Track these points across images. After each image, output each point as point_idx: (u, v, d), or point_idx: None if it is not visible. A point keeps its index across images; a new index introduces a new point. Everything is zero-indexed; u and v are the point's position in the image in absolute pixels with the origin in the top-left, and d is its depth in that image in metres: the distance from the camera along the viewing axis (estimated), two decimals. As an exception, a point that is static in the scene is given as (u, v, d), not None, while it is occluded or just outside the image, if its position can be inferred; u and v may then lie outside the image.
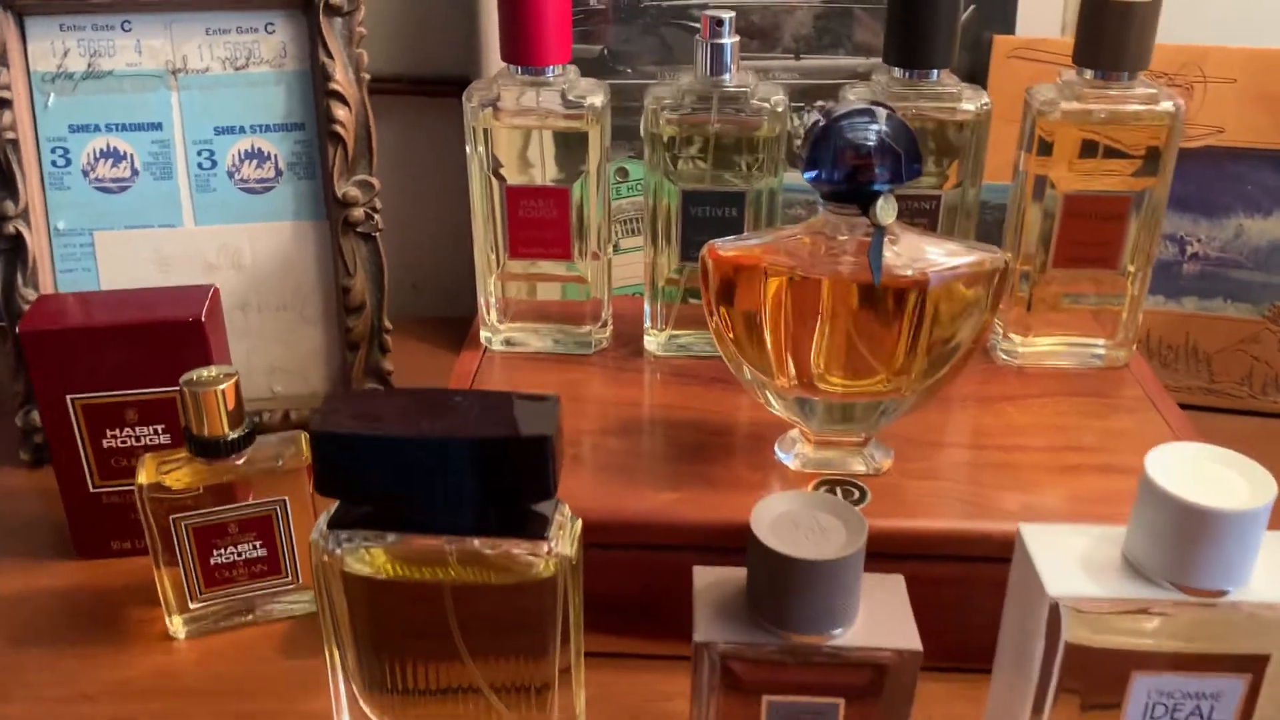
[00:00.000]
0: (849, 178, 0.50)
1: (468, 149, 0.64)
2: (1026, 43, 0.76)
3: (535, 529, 0.43)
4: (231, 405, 0.54)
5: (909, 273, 0.50)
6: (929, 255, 0.51)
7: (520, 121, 0.62)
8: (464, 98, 0.63)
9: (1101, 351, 0.67)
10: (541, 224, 0.64)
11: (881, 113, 0.50)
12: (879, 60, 0.78)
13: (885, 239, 0.50)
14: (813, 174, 0.50)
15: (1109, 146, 0.61)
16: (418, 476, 0.42)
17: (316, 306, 0.73)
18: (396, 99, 0.87)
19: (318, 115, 0.70)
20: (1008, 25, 0.78)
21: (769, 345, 0.52)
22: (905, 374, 0.52)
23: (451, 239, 0.90)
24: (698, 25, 0.79)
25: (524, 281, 0.68)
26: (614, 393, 0.64)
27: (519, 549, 0.43)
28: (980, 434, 0.60)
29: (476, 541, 0.43)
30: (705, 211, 0.64)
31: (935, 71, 0.60)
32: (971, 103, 0.61)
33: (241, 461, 0.55)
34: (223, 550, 0.56)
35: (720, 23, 0.60)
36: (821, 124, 0.50)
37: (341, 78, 0.69)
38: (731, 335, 0.54)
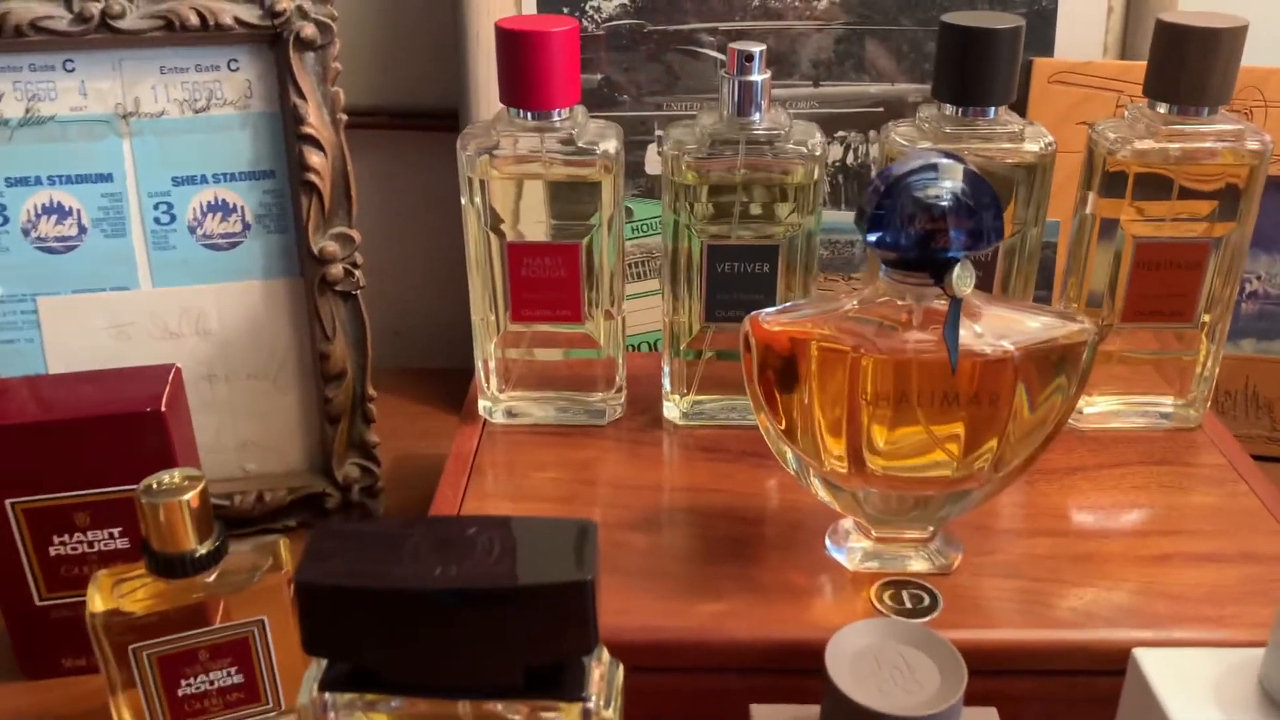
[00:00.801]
0: (920, 244, 0.43)
1: (463, 200, 0.56)
2: (1069, 66, 0.69)
3: (571, 686, 0.36)
4: (198, 515, 0.46)
5: (989, 350, 0.44)
6: (1012, 329, 0.44)
7: (523, 171, 0.55)
8: (459, 145, 0.55)
9: (1170, 410, 0.60)
10: (547, 284, 0.57)
11: (955, 167, 0.43)
12: (906, 86, 0.72)
13: (962, 312, 0.43)
14: (876, 237, 0.43)
15: (1185, 187, 0.55)
16: (428, 632, 0.34)
17: (291, 374, 0.65)
18: (378, 133, 0.79)
19: (289, 162, 0.62)
20: (1046, 47, 0.71)
21: (819, 430, 0.45)
22: (979, 463, 0.45)
23: (439, 282, 0.82)
24: (706, 51, 0.72)
25: (527, 346, 0.61)
26: (633, 473, 0.57)
27: (550, 713, 0.35)
28: (1055, 517, 0.53)
29: (500, 705, 0.35)
30: (733, 267, 0.56)
31: (992, 109, 0.53)
32: (1035, 143, 0.54)
33: (212, 579, 0.47)
34: (192, 680, 0.48)
35: (750, 58, 0.53)
36: (887, 180, 0.43)
37: (315, 120, 0.61)
38: (775, 419, 0.47)
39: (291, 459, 0.67)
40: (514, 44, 0.52)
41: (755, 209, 0.55)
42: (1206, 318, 0.58)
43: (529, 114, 0.54)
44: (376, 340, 0.87)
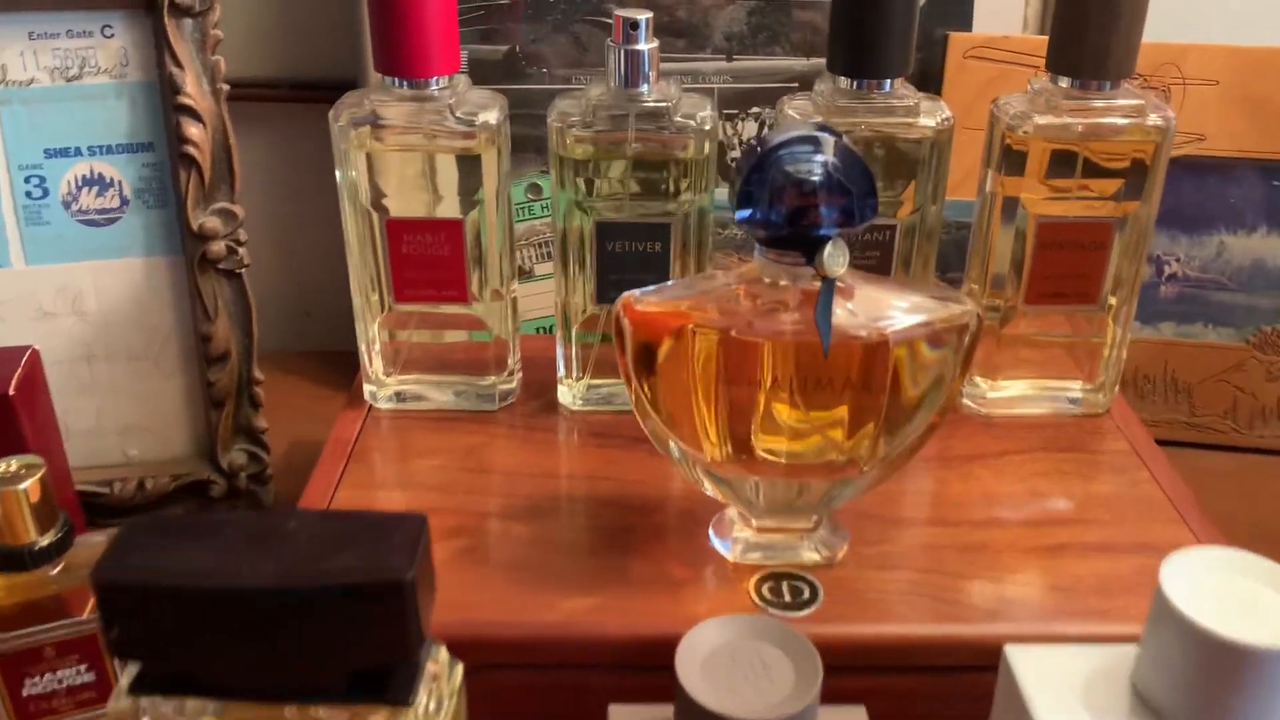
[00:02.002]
0: (791, 220, 0.40)
1: (337, 174, 0.53)
2: (985, 40, 0.67)
3: (397, 689, 0.33)
4: (37, 506, 0.44)
5: (864, 333, 0.42)
6: (887, 310, 0.42)
7: (399, 143, 0.52)
8: (331, 116, 0.52)
9: (1078, 395, 0.58)
10: (430, 262, 0.54)
11: (828, 140, 0.41)
12: (823, 61, 0.70)
13: (835, 292, 0.41)
14: (745, 214, 0.41)
15: (1088, 163, 0.53)
16: (240, 633, 0.32)
17: (175, 356, 0.63)
18: (278, 106, 0.77)
19: (168, 134, 0.60)
20: (964, 21, 0.69)
21: (699, 418, 0.43)
22: (860, 448, 0.43)
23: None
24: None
25: (413, 327, 0.58)
26: (523, 460, 0.54)
27: (377, 716, 0.33)
28: (948, 505, 0.51)
29: (323, 711, 0.33)
30: (625, 246, 0.54)
31: (888, 81, 0.51)
32: (931, 117, 0.52)
33: (56, 571, 0.45)
34: (37, 679, 0.46)
35: (635, 25, 0.50)
36: (756, 154, 0.41)
37: (194, 90, 0.58)
38: (653, 407, 0.44)
39: (176, 444, 0.64)
40: (387, 6, 0.49)
41: (641, 185, 0.53)
42: (1113, 300, 0.56)
43: (404, 82, 0.51)
44: (288, 322, 0.85)
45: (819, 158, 0.40)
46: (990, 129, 0.54)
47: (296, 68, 0.76)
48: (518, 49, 0.69)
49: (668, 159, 0.52)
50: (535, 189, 0.72)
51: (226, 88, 0.59)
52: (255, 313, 0.62)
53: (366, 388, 0.59)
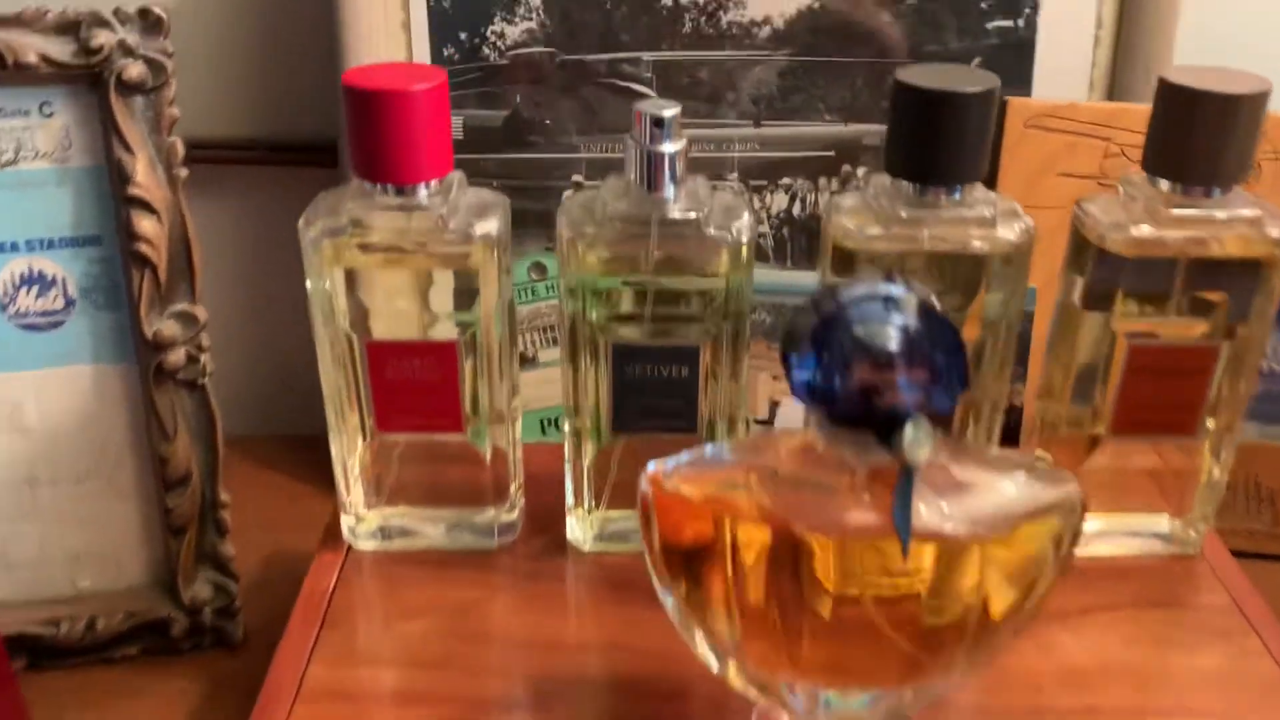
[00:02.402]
0: (862, 397, 0.33)
1: (308, 284, 0.46)
2: (1049, 109, 0.59)
3: None
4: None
5: (949, 529, 0.34)
6: (977, 497, 0.35)
7: (384, 258, 0.45)
8: (301, 224, 0.45)
9: (1166, 530, 0.51)
10: (420, 388, 0.47)
11: (909, 298, 0.33)
12: (861, 127, 0.62)
13: (916, 481, 0.34)
14: (804, 382, 0.33)
15: (1192, 278, 0.45)
16: None
17: (129, 476, 0.55)
18: (252, 168, 0.69)
19: (118, 227, 0.52)
20: (1023, 82, 0.62)
21: (742, 622, 0.36)
22: (934, 662, 0.36)
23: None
24: (630, 84, 0.62)
25: (399, 454, 0.50)
26: (527, 624, 0.47)
27: None
28: (1031, 687, 0.43)
29: None
30: (646, 370, 0.46)
31: (959, 186, 0.43)
32: (1010, 228, 0.44)
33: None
34: None
35: (660, 122, 0.42)
36: (816, 310, 0.33)
37: (146, 178, 0.50)
38: (687, 607, 0.37)
39: (131, 573, 0.56)
40: (366, 106, 0.41)
41: (670, 303, 0.45)
42: (1211, 424, 0.48)
43: (389, 188, 0.43)
44: (265, 401, 0.77)
45: (897, 319, 0.33)
46: (1075, 233, 0.47)
47: (272, 128, 0.68)
48: (520, 114, 0.62)
49: (695, 273, 0.45)
50: (539, 268, 0.64)
51: (184, 173, 0.51)
52: (220, 426, 0.55)
53: (344, 521, 0.51)
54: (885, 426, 0.33)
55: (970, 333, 0.45)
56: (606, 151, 0.62)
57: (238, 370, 0.74)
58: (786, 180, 0.63)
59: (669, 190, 0.44)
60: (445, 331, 0.46)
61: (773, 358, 0.64)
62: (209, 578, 0.56)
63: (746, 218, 0.44)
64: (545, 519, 0.52)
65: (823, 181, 0.63)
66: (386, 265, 0.45)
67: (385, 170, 0.43)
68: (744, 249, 0.44)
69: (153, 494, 0.55)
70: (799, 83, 0.61)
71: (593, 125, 0.62)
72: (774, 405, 0.65)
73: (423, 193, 0.44)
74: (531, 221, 0.63)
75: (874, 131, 0.62)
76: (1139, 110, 0.59)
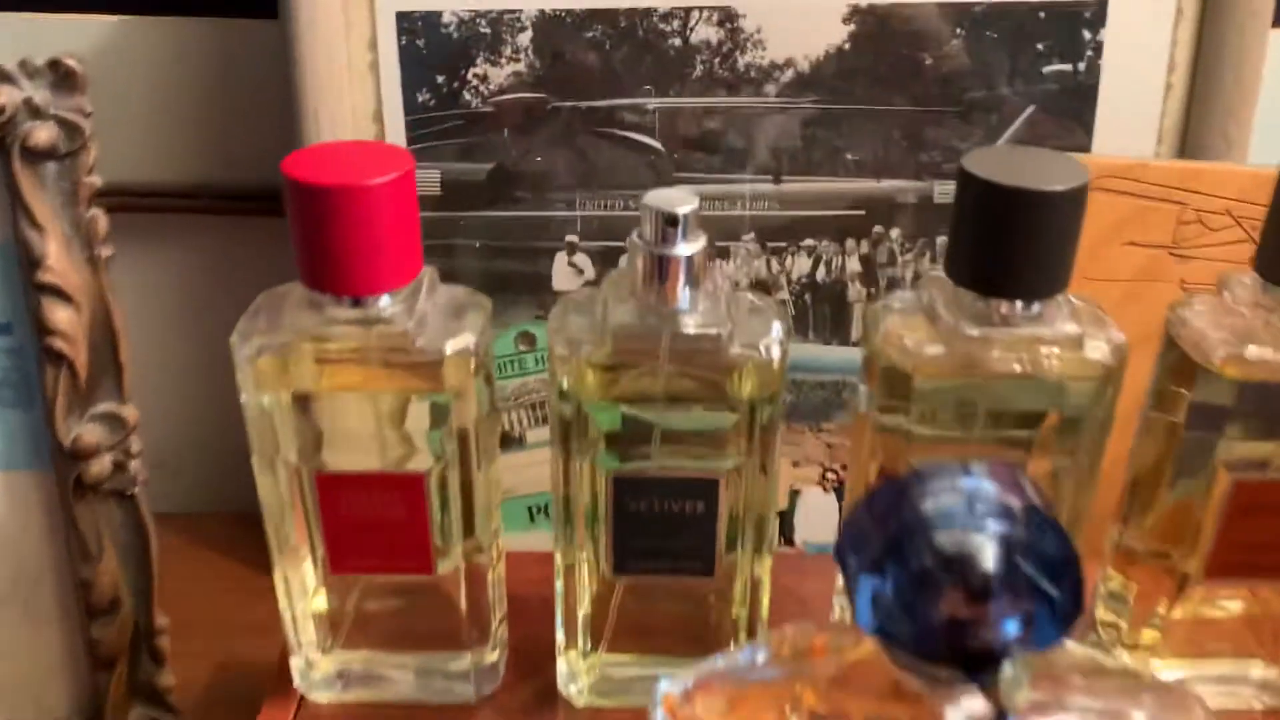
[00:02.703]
0: (948, 634, 0.25)
1: (243, 400, 0.38)
2: (1115, 169, 0.51)
3: None
4: None
5: (1051, 787, 0.26)
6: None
7: (336, 381, 0.37)
8: (234, 339, 0.37)
9: (1259, 674, 0.43)
10: (381, 526, 0.39)
11: (1008, 500, 0.25)
12: (895, 183, 0.54)
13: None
14: (865, 608, 0.26)
15: (1308, 404, 0.38)
16: None
17: (50, 598, 0.47)
18: (206, 218, 0.61)
19: (29, 315, 0.44)
20: (1083, 135, 0.54)
21: None
22: None
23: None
24: (632, 135, 0.54)
25: (359, 593, 0.43)
26: (508, 799, 0.39)
27: None
28: None
29: None
30: (654, 506, 0.39)
31: (1035, 303, 0.36)
32: (1099, 345, 0.36)
33: None
34: None
35: (674, 221, 0.35)
36: (890, 516, 0.25)
37: (59, 260, 0.42)
38: None
39: (56, 707, 0.49)
40: (314, 204, 0.33)
41: (684, 430, 0.38)
42: (1317, 563, 0.41)
43: (343, 299, 0.35)
44: (214, 473, 0.69)
45: (993, 526, 0.25)
46: (1168, 346, 0.39)
47: (220, 174, 0.60)
48: (506, 167, 0.54)
49: (715, 397, 0.37)
50: (528, 338, 0.56)
51: (107, 253, 0.44)
52: (154, 543, 0.47)
53: (294, 664, 0.43)
54: (975, 662, 0.26)
55: (1040, 468, 0.38)
56: (604, 209, 0.54)
57: (182, 439, 0.66)
58: (809, 242, 0.55)
59: (684, 300, 0.36)
60: (413, 461, 0.38)
61: (791, 439, 0.57)
62: (145, 714, 0.49)
63: (777, 330, 0.37)
64: (534, 656, 0.45)
65: (850, 244, 0.55)
66: (341, 389, 0.37)
67: (339, 279, 0.35)
68: (775, 367, 0.36)
69: (77, 620, 0.47)
70: (825, 133, 0.53)
71: (589, 179, 0.54)
72: (794, 494, 0.58)
73: (385, 302, 0.36)
74: (519, 286, 0.55)
75: (909, 189, 0.54)
76: (1219, 171, 0.51)
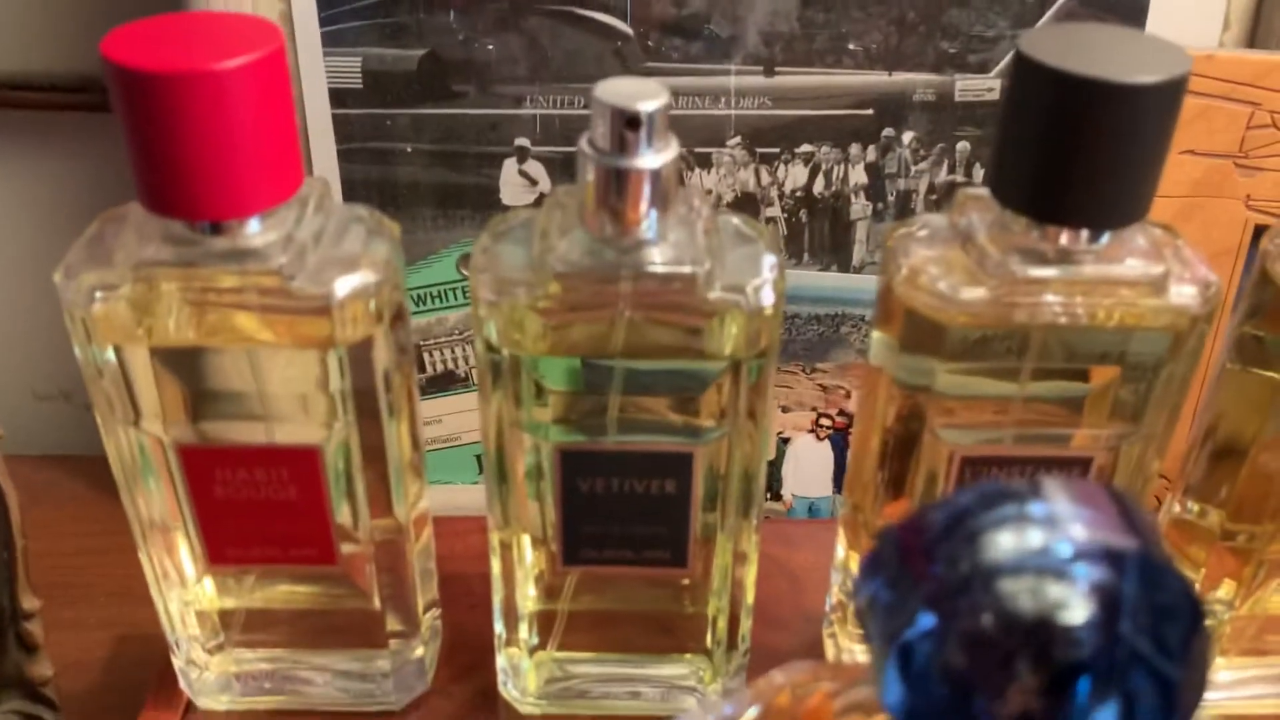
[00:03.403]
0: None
1: (79, 356, 0.29)
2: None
3: None
4: None
5: None
6: None
7: (191, 331, 0.28)
8: (59, 275, 0.28)
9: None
10: (268, 509, 0.31)
11: (1108, 539, 0.17)
12: (909, 76, 0.45)
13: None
14: (896, 689, 0.18)
15: None
16: None
17: (-110, 577, 0.39)
18: (25, 114, 0.51)
19: None
20: (1135, 20, 0.45)
21: None
22: None
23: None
24: (593, 14, 0.45)
25: (251, 583, 0.35)
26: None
27: None
28: None
29: None
30: (611, 485, 0.31)
31: (1106, 233, 0.27)
32: (1185, 289, 0.28)
33: None
34: None
35: (635, 123, 0.26)
36: (946, 558, 0.18)
37: None
38: None
39: (-92, 702, 0.41)
40: (146, 99, 0.25)
41: (649, 392, 0.30)
42: None
43: (197, 225, 0.27)
44: (39, 414, 0.61)
45: (1083, 573, 0.17)
46: (1260, 283, 0.31)
47: (45, 61, 0.50)
48: (441, 54, 0.44)
49: (693, 353, 0.29)
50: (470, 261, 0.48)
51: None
52: (16, 513, 0.39)
53: (176, 665, 0.36)
54: (1048, 763, 0.18)
55: (1093, 437, 0.30)
56: (561, 107, 0.45)
57: (75, 371, 0.58)
58: (807, 148, 0.46)
59: (649, 226, 0.27)
60: (305, 429, 0.30)
61: (781, 381, 0.49)
62: (16, 709, 0.41)
63: (768, 269, 0.28)
64: (473, 648, 0.37)
65: (854, 150, 0.46)
66: (207, 341, 0.28)
67: (185, 199, 0.26)
68: (767, 314, 0.28)
69: (-76, 602, 0.40)
70: (827, 15, 0.44)
71: (543, 70, 0.45)
72: (784, 442, 0.50)
73: (253, 228, 0.27)
74: (461, 199, 0.47)
75: (927, 83, 0.45)
76: (1297, 64, 0.43)
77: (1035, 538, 0.18)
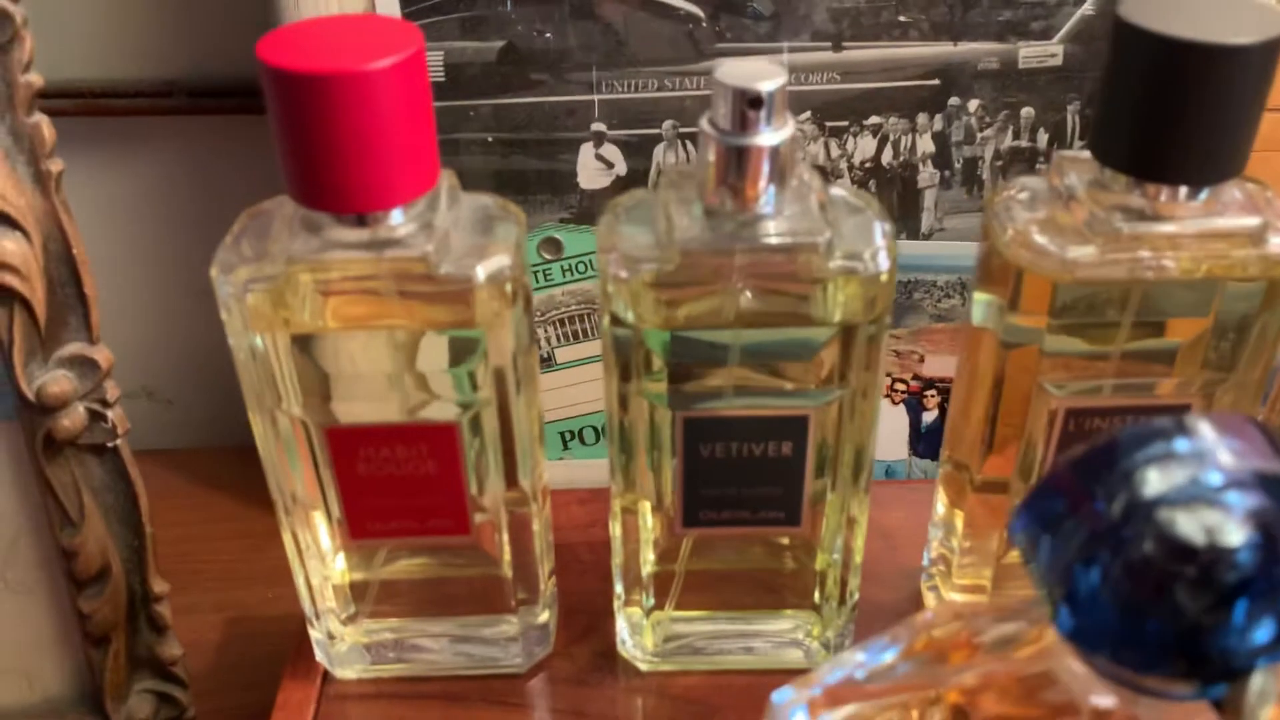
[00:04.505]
0: (1181, 642, 0.19)
1: (232, 342, 0.31)
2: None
3: None
4: None
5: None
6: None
7: (343, 314, 0.30)
8: (215, 271, 0.30)
9: None
10: (407, 485, 0.33)
11: (1259, 467, 0.19)
12: (974, 46, 0.47)
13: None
14: (1067, 613, 0.20)
15: None
16: None
17: (30, 567, 0.41)
18: (183, 120, 0.53)
19: (-28, 245, 0.37)
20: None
21: None
22: None
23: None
24: (667, 2, 0.46)
25: (384, 558, 0.37)
26: (571, 787, 0.34)
27: None
28: None
29: None
30: (730, 450, 0.32)
31: (1204, 189, 0.29)
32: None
33: None
34: None
35: (757, 103, 0.27)
36: (1107, 491, 0.19)
37: (1, 180, 0.35)
38: None
39: (50, 686, 0.43)
40: (299, 100, 0.26)
41: (767, 358, 0.31)
42: None
43: (345, 217, 0.29)
44: (219, 404, 0.62)
45: (1237, 500, 0.19)
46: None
47: (193, 67, 0.52)
48: (519, 45, 0.46)
49: (810, 320, 0.30)
50: (553, 245, 0.49)
51: (58, 168, 0.36)
52: (144, 500, 0.41)
53: (314, 636, 0.38)
54: (1213, 675, 0.19)
55: (1184, 388, 0.31)
56: (634, 91, 0.47)
57: (172, 367, 0.60)
58: (875, 119, 0.48)
59: (767, 200, 0.29)
60: (441, 407, 0.32)
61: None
62: (148, 688, 0.43)
63: (881, 237, 0.30)
64: (589, 612, 0.39)
65: (921, 120, 0.48)
66: (350, 326, 0.30)
67: (337, 193, 0.28)
68: (883, 279, 0.29)
69: (65, 590, 0.42)
70: (893, -10, 0.46)
71: (616, 56, 0.46)
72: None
73: (397, 219, 0.29)
74: (540, 185, 0.48)
75: (991, 51, 0.46)
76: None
77: (1187, 470, 0.19)
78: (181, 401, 0.62)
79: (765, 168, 0.28)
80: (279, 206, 0.30)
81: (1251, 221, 0.29)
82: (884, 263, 0.29)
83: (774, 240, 0.29)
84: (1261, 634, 0.19)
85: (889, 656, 0.25)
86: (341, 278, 0.29)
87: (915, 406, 0.52)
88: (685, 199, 0.30)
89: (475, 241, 0.30)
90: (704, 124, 0.29)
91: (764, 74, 0.28)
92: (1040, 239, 0.29)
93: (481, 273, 0.29)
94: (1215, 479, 0.19)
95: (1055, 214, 0.30)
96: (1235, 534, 0.19)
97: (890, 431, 0.53)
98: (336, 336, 0.31)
